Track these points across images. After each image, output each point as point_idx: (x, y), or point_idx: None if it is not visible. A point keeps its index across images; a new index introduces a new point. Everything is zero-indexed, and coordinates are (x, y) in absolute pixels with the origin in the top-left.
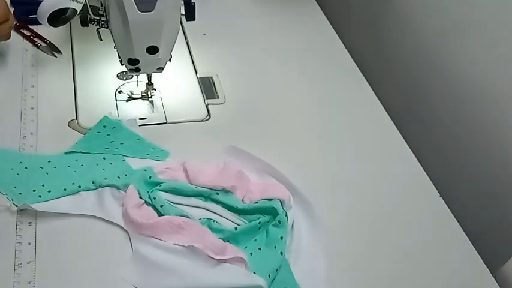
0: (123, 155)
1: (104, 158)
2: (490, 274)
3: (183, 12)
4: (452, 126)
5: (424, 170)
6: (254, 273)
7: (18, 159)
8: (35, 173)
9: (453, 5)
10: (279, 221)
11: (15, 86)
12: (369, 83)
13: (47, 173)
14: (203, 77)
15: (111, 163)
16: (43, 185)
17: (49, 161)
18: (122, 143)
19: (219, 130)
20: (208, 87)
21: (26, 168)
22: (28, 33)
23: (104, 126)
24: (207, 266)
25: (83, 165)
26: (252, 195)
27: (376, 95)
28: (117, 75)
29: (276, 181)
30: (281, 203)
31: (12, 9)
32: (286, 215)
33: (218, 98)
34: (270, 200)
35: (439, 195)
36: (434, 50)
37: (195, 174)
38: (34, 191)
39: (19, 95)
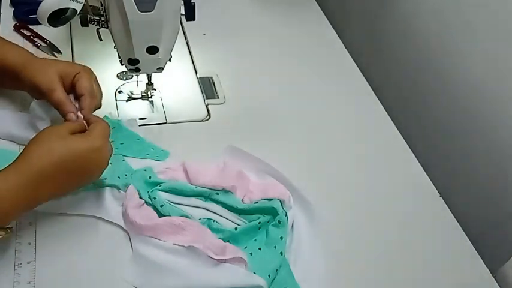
0: (123, 155)
1: None
2: (490, 274)
3: (183, 12)
4: (452, 126)
5: (424, 170)
6: (254, 273)
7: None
8: None
9: (453, 5)
10: (279, 221)
11: None
12: (369, 83)
13: None
14: (203, 77)
15: (111, 163)
16: None
17: None
18: (122, 143)
19: (219, 130)
20: (208, 87)
21: None
22: (28, 33)
23: None
24: (207, 266)
25: None
26: (252, 195)
27: (376, 95)
28: (117, 75)
29: (275, 181)
30: (281, 203)
31: (12, 9)
32: (286, 215)
33: (218, 98)
34: (270, 200)
35: (439, 195)
36: (434, 50)
37: (195, 174)
38: None
39: (19, 95)
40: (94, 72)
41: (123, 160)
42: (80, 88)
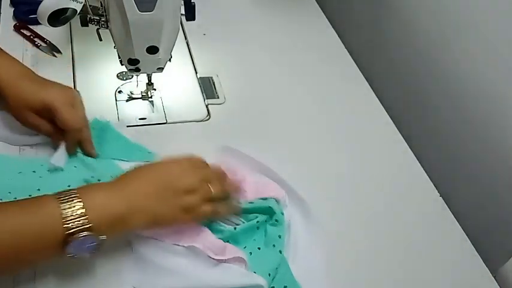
0: (113, 158)
1: (95, 160)
2: (490, 274)
3: (183, 12)
4: (452, 126)
5: (424, 170)
6: (254, 272)
7: (11, 164)
8: (28, 178)
9: (453, 5)
10: (276, 220)
11: None
12: (368, 83)
13: (40, 177)
14: (203, 77)
15: (103, 164)
16: (38, 189)
17: (42, 165)
18: (111, 145)
19: (219, 130)
20: (208, 87)
21: (20, 172)
22: (28, 33)
23: (93, 129)
24: (207, 266)
25: (75, 167)
26: (246, 195)
27: (376, 95)
28: (117, 75)
29: (269, 180)
30: (276, 202)
31: (12, 9)
32: (282, 214)
33: (218, 98)
34: (265, 199)
35: (439, 195)
36: (435, 49)
37: None
38: (30, 195)
39: None
40: (94, 72)
41: (114, 161)
42: (59, 124)
